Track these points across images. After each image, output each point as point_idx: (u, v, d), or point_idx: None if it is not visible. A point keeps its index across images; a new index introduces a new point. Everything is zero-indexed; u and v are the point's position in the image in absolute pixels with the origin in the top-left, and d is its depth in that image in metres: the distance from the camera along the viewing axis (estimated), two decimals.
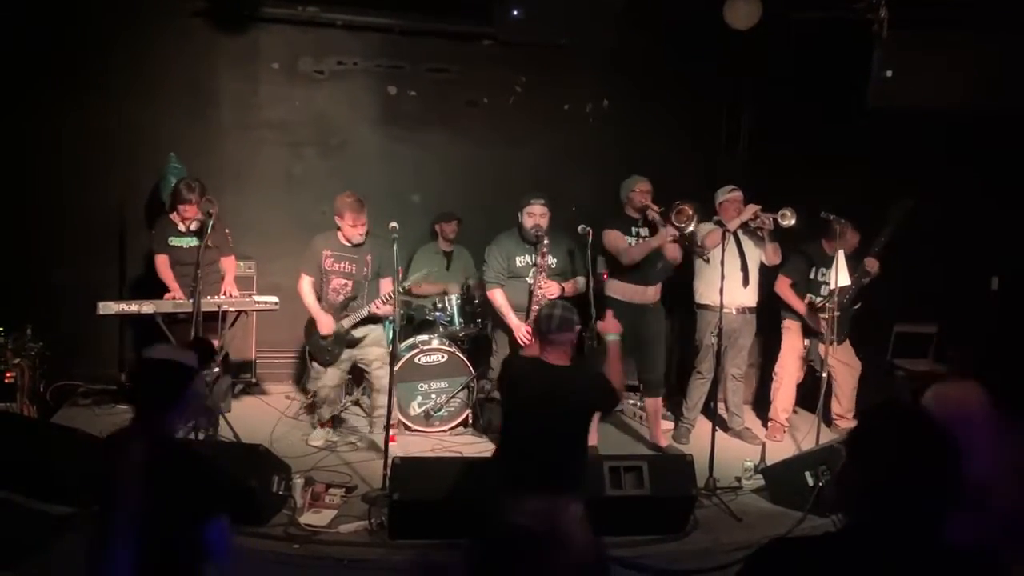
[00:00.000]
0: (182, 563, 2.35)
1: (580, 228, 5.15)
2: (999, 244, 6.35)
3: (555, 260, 5.42)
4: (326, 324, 5.35)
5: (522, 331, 5.33)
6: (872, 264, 5.67)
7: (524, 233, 5.40)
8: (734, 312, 5.74)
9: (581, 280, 5.46)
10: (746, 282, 5.80)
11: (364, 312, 5.34)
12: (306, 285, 5.40)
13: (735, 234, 5.68)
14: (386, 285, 5.37)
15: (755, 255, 5.86)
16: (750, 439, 5.98)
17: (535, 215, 5.34)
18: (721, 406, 6.04)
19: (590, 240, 5.12)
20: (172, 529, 2.29)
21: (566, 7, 5.94)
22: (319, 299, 5.42)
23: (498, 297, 5.47)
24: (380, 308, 5.34)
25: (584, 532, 3.14)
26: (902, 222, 5.53)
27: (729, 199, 5.77)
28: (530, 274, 5.42)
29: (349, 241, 5.34)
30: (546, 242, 5.28)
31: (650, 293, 5.57)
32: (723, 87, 7.19)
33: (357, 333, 5.42)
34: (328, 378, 5.51)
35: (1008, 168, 6.17)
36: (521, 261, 5.45)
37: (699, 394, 5.91)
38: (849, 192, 6.00)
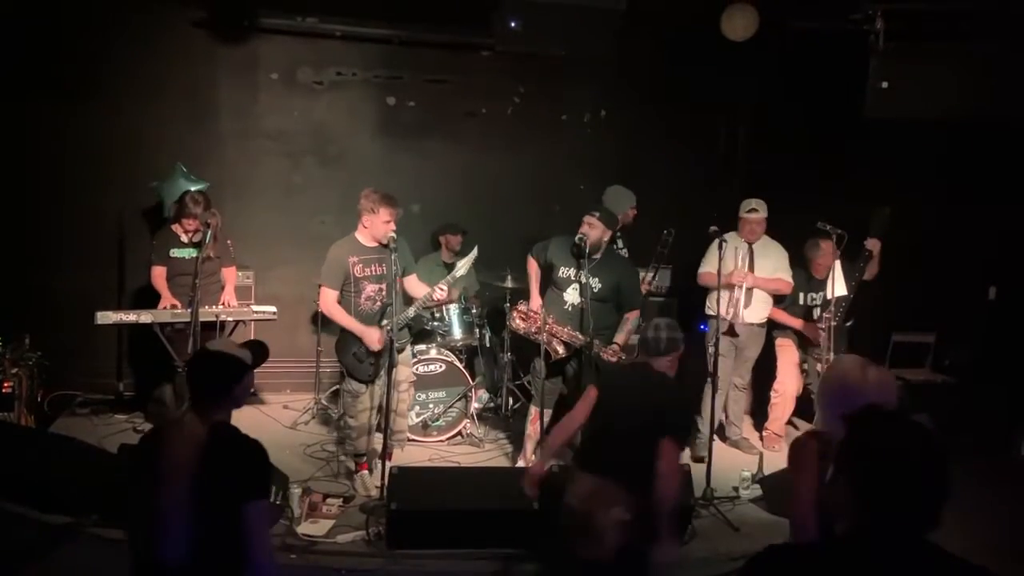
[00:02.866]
0: (227, 543, 2.45)
1: (577, 238, 5.10)
2: (996, 253, 6.37)
3: (601, 284, 5.07)
4: (375, 337, 4.83)
5: (536, 304, 5.21)
6: (875, 245, 5.52)
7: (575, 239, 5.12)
8: (740, 324, 5.69)
9: (631, 322, 5.08)
10: (748, 303, 5.71)
11: (411, 311, 5.00)
12: (332, 299, 4.89)
13: (750, 248, 5.67)
14: (411, 282, 5.09)
15: (766, 270, 5.76)
16: (747, 449, 5.97)
17: (583, 223, 5.04)
18: (721, 415, 6.01)
19: (587, 249, 5.08)
20: (219, 508, 2.42)
21: (564, 18, 5.96)
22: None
23: (532, 264, 5.34)
24: (441, 295, 4.99)
25: (617, 536, 3.16)
26: (883, 231, 5.51)
27: (748, 219, 5.68)
28: (569, 289, 5.14)
29: (375, 241, 4.90)
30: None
31: None
32: (721, 96, 7.22)
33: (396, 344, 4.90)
34: (367, 399, 5.01)
35: (1004, 177, 6.19)
36: (564, 272, 5.14)
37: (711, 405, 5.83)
38: (846, 201, 6.01)
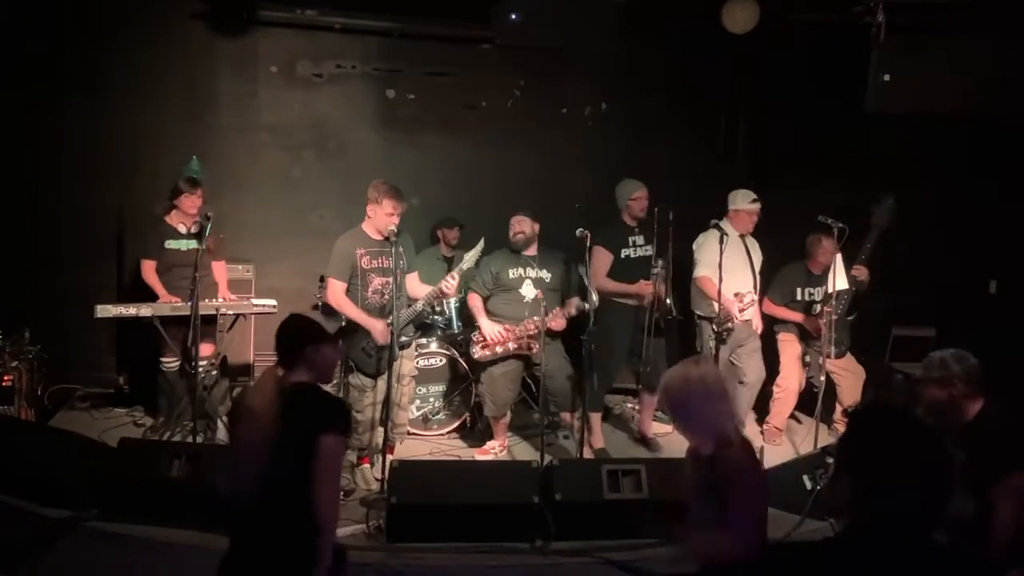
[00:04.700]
0: (299, 486, 2.61)
1: (578, 232, 5.10)
2: (997, 247, 6.35)
3: (550, 275, 5.31)
4: (382, 330, 4.79)
5: (493, 331, 5.23)
6: (861, 272, 5.56)
7: (511, 243, 5.34)
8: (741, 321, 5.63)
9: (576, 301, 5.27)
10: (759, 299, 5.66)
11: (419, 306, 5.01)
12: (339, 290, 4.86)
13: (744, 242, 5.62)
14: (411, 280, 5.08)
15: (758, 263, 5.72)
16: None
17: (514, 224, 5.33)
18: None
19: (588, 244, 5.08)
20: (295, 448, 2.61)
21: (564, 10, 5.95)
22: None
23: (474, 299, 5.41)
24: (449, 288, 4.99)
25: None
26: (886, 224, 5.48)
27: (752, 211, 5.61)
28: (523, 286, 5.29)
29: (380, 234, 4.86)
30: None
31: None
32: (722, 90, 7.20)
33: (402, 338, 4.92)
34: (373, 393, 4.99)
35: (1005, 171, 6.18)
36: (514, 273, 5.32)
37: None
38: (847, 195, 5.99)
